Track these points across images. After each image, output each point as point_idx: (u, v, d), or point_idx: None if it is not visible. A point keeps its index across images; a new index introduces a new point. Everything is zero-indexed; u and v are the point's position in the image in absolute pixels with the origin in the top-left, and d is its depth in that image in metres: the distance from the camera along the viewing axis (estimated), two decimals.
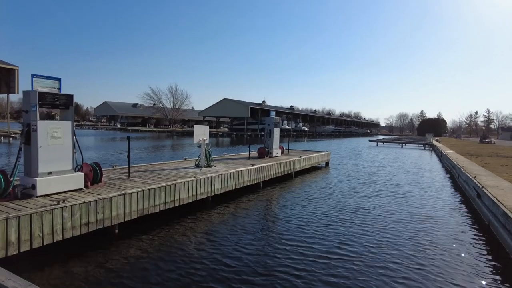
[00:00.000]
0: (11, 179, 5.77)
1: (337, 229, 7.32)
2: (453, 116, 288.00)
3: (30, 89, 6.05)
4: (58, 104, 6.30)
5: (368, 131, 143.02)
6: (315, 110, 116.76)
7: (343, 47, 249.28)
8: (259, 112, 73.78)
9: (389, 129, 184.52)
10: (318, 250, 6.09)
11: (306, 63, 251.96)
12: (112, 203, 6.23)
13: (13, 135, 30.20)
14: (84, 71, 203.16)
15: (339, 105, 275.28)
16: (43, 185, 6.00)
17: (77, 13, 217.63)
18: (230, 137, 61.90)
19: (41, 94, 6.01)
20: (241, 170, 10.46)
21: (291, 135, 77.87)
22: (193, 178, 8.38)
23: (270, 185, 12.28)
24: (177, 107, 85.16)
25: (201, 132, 10.98)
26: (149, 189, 7.03)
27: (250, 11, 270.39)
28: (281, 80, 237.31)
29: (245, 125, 71.71)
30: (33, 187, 5.92)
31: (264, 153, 14.89)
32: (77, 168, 6.82)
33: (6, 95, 36.39)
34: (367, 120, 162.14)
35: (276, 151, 15.80)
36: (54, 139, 6.23)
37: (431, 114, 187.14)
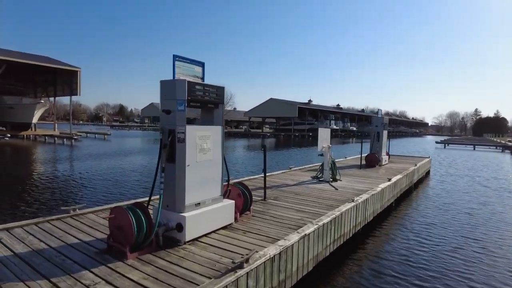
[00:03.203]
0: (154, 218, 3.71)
1: None
2: None
3: (166, 79, 4.01)
4: (208, 100, 4.19)
5: (417, 131, 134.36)
6: (363, 109, 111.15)
7: (383, 41, 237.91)
8: (307, 112, 70.74)
9: (437, 129, 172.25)
10: None
11: (345, 60, 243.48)
12: (293, 252, 4.01)
13: (75, 137, 29.94)
14: (123, 71, 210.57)
15: (382, 103, 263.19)
16: (192, 225, 3.90)
17: (125, 14, 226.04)
18: (276, 138, 59.23)
19: (191, 84, 3.92)
20: (384, 188, 7.97)
21: (339, 135, 74.14)
22: (353, 203, 6.02)
23: (400, 204, 9.67)
24: None
25: (324, 137, 8.66)
26: (323, 224, 4.76)
27: (295, 7, 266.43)
28: (325, 78, 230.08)
29: (292, 125, 68.95)
30: (180, 228, 3.84)
31: (375, 161, 12.28)
32: (225, 193, 4.71)
33: (59, 97, 36.77)
34: (416, 119, 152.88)
35: (385, 158, 13.16)
36: (203, 153, 4.13)
37: (486, 112, 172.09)
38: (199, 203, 4.08)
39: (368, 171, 11.03)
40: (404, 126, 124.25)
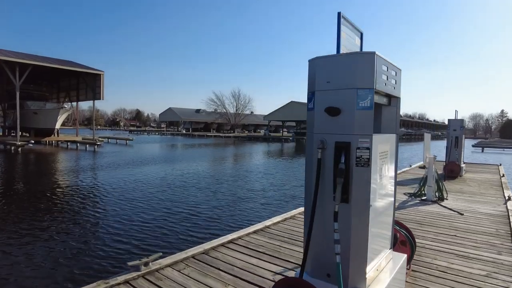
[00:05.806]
0: None
1: None
2: None
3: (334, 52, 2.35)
4: (388, 91, 2.49)
5: (439, 133, 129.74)
6: None
7: (401, 42, 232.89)
8: None
9: None
10: None
11: None
12: None
13: (98, 143, 28.88)
14: (141, 77, 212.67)
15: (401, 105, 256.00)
16: None
17: (146, 24, 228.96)
18: (297, 142, 56.95)
19: (380, 62, 2.23)
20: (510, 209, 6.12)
21: None
22: None
23: None
24: (239, 111, 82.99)
25: (428, 145, 6.87)
26: None
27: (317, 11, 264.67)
28: None
29: None
30: None
31: (457, 171, 10.38)
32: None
33: (80, 102, 35.94)
34: (438, 122, 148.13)
35: (464, 167, 11.24)
36: (381, 180, 2.44)
37: None
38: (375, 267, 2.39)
39: (457, 183, 9.15)
40: (426, 129, 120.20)
